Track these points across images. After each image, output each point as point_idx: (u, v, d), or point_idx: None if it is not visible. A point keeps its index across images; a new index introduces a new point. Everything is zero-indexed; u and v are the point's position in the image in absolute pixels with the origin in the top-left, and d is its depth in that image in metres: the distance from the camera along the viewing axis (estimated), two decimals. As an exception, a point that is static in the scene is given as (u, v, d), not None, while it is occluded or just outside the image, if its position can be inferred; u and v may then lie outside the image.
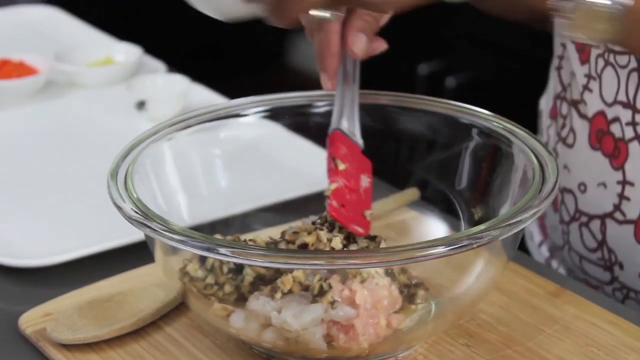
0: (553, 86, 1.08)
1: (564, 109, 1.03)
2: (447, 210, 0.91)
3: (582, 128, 1.00)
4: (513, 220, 0.75)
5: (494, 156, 0.88)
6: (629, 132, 0.95)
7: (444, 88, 2.22)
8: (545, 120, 1.11)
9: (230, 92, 1.28)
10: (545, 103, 1.13)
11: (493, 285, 0.84)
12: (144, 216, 0.77)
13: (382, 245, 0.84)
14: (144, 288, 0.89)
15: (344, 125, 0.86)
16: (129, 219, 0.77)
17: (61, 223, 1.04)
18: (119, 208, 0.79)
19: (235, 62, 3.02)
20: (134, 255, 0.94)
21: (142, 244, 0.85)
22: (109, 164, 0.83)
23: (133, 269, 0.93)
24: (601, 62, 0.96)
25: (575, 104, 1.01)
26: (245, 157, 0.97)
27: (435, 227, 0.93)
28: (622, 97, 0.95)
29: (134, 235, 0.95)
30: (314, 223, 0.86)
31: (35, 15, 1.60)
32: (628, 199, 0.97)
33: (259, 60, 3.14)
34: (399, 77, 2.40)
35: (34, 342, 0.85)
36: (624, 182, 0.97)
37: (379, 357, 0.81)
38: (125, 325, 0.85)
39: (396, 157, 0.95)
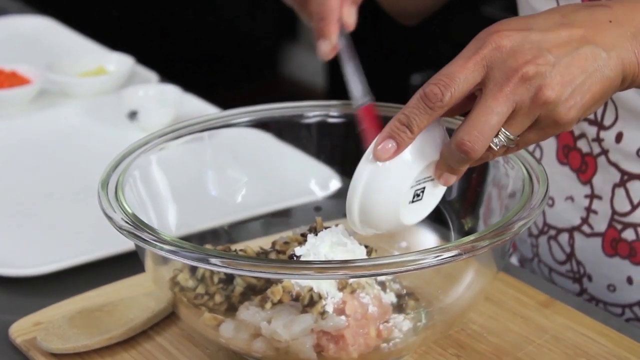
0: None
1: None
2: (438, 221, 0.91)
3: (549, 143, 1.01)
4: (503, 231, 0.75)
5: (484, 167, 0.88)
6: (596, 148, 0.96)
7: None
8: None
9: (223, 102, 1.28)
10: None
11: (483, 295, 0.84)
12: (135, 226, 0.77)
13: (373, 255, 0.84)
14: (134, 298, 0.89)
15: (367, 95, 0.85)
16: (120, 229, 0.77)
17: (52, 233, 1.04)
18: (110, 218, 0.79)
19: (228, 72, 3.02)
20: (125, 265, 0.95)
21: (133, 254, 0.85)
22: (99, 174, 0.83)
23: (123, 278, 0.93)
24: None
25: None
26: (236, 168, 0.97)
27: (425, 237, 0.93)
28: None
29: (125, 245, 0.95)
30: (303, 235, 0.86)
31: (28, 25, 1.60)
32: (595, 212, 0.97)
33: (252, 70, 3.15)
34: (392, 88, 2.40)
35: (24, 352, 0.85)
36: (591, 196, 0.97)
37: (369, 367, 0.81)
38: (116, 334, 0.85)
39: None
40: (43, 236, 1.03)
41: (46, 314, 0.89)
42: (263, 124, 0.94)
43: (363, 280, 0.81)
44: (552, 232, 1.03)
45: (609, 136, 0.95)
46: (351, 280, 0.80)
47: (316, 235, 0.84)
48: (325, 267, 0.74)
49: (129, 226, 0.77)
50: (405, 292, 0.84)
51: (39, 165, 1.19)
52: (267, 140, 0.93)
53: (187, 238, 0.85)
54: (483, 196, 0.89)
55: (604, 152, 0.96)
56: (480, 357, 0.84)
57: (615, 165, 0.95)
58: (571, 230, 1.00)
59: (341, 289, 0.80)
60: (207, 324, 0.81)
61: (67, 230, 1.04)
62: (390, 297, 0.82)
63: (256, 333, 0.79)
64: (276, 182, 0.99)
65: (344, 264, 0.75)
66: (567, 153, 0.98)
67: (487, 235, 0.75)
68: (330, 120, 0.94)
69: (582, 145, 0.97)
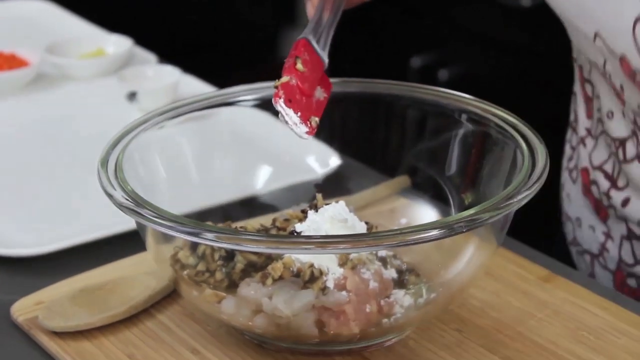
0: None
1: (574, 140, 1.05)
2: (438, 197, 0.91)
3: (577, 176, 1.03)
4: (503, 205, 0.75)
5: (484, 142, 0.88)
6: (605, 201, 0.97)
7: (436, 81, 2.22)
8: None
9: (222, 86, 1.28)
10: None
11: (483, 270, 0.85)
12: (135, 203, 0.77)
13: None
14: (135, 276, 0.89)
15: (312, 38, 0.85)
16: (120, 206, 0.78)
17: (53, 212, 1.04)
18: (110, 196, 0.79)
19: (228, 56, 3.02)
20: (126, 244, 0.95)
21: (134, 233, 0.85)
22: (99, 155, 0.83)
23: (124, 257, 0.93)
24: (600, 127, 0.97)
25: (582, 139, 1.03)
26: (236, 146, 0.97)
27: (425, 214, 0.93)
28: (608, 168, 0.97)
29: (126, 224, 0.95)
30: (303, 211, 0.86)
31: (26, 8, 1.59)
32: (607, 250, 0.99)
33: (252, 54, 3.14)
34: (391, 70, 2.40)
35: (26, 330, 0.86)
36: (607, 235, 0.99)
37: (371, 342, 0.82)
38: (117, 312, 0.85)
39: (386, 145, 0.95)
40: (44, 216, 1.04)
41: (48, 293, 0.89)
42: (262, 102, 0.94)
43: (364, 256, 0.81)
44: (580, 249, 1.04)
45: (617, 197, 0.96)
46: (352, 256, 0.80)
47: (317, 211, 0.84)
48: (326, 241, 0.74)
49: (130, 203, 0.77)
50: (406, 267, 0.84)
51: (39, 146, 1.19)
52: (266, 118, 0.93)
53: (187, 216, 0.85)
54: (483, 171, 0.89)
55: (613, 207, 0.97)
56: (482, 332, 0.84)
57: (624, 220, 0.96)
58: (592, 257, 1.02)
59: (342, 264, 0.80)
60: (208, 300, 0.81)
61: (68, 210, 1.04)
62: (391, 273, 0.82)
63: (257, 309, 0.79)
64: (276, 160, 0.99)
65: (345, 238, 0.75)
66: (586, 192, 0.99)
67: (487, 209, 0.75)
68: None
69: (595, 191, 0.98)
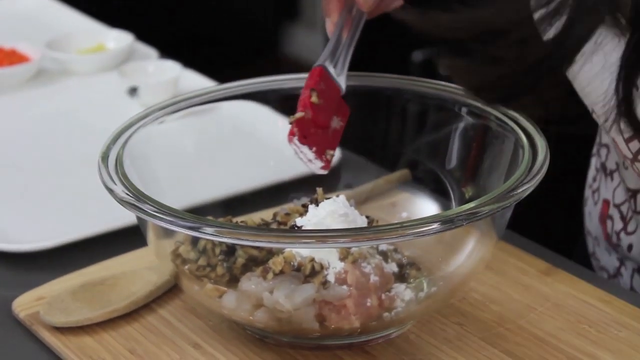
0: None
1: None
2: (438, 191, 0.91)
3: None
4: (503, 198, 0.75)
5: (484, 135, 0.88)
6: (614, 238, 0.98)
7: (438, 75, 2.22)
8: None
9: (223, 81, 1.28)
10: None
11: (484, 264, 0.85)
12: (136, 198, 0.77)
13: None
14: (136, 271, 0.89)
15: (329, 64, 0.85)
16: (121, 201, 0.78)
17: (54, 208, 1.04)
18: (110, 190, 0.79)
19: (229, 51, 3.02)
20: (126, 239, 0.95)
21: (134, 228, 0.85)
22: (100, 150, 0.83)
23: (125, 252, 0.93)
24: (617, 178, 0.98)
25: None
26: (236, 141, 0.97)
27: (426, 207, 0.93)
28: (624, 209, 0.97)
29: (126, 219, 0.95)
30: (304, 205, 0.86)
31: (27, 4, 1.59)
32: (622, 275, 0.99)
33: (253, 49, 3.14)
34: (393, 64, 2.39)
35: (27, 326, 0.86)
36: (621, 262, 0.99)
37: (371, 336, 0.82)
38: (118, 307, 0.86)
39: (386, 138, 0.95)
40: (45, 212, 1.04)
41: (49, 289, 0.89)
42: (262, 97, 0.93)
43: (364, 250, 0.81)
44: (598, 264, 1.04)
45: (625, 240, 0.97)
46: (352, 250, 0.80)
47: (317, 206, 0.84)
48: (326, 235, 0.74)
49: (130, 198, 0.77)
50: (406, 261, 0.84)
51: (40, 142, 1.19)
52: (266, 112, 0.93)
53: (187, 211, 0.85)
54: (483, 164, 0.89)
55: (621, 247, 0.98)
56: (483, 325, 0.84)
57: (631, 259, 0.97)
58: (609, 275, 1.02)
59: (343, 258, 0.80)
60: (210, 295, 0.81)
61: (69, 206, 1.04)
62: (391, 267, 0.82)
63: (258, 304, 0.79)
64: (276, 155, 0.99)
65: (345, 232, 0.75)
66: (602, 222, 1.00)
67: (487, 202, 0.75)
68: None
69: (609, 225, 0.99)
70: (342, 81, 0.85)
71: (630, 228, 0.96)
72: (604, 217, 0.99)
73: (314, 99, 0.82)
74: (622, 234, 0.97)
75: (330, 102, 0.83)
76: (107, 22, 1.49)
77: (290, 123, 0.81)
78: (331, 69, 0.85)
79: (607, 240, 0.99)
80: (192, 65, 1.34)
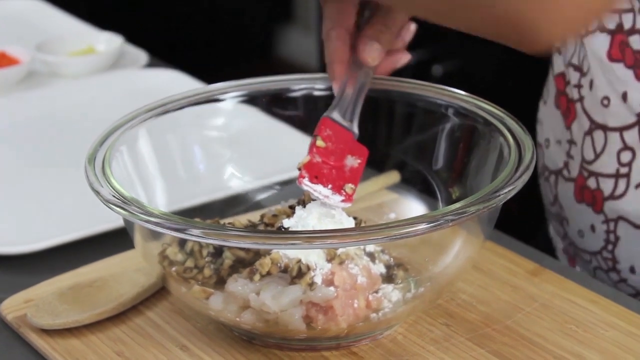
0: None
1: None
2: (425, 191, 0.91)
3: (551, 87, 1.05)
4: (489, 198, 0.76)
5: (471, 136, 0.88)
6: (576, 94, 0.98)
7: (430, 76, 2.22)
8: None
9: (214, 83, 1.28)
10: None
11: (471, 264, 0.85)
12: (122, 200, 0.77)
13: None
14: (124, 273, 0.89)
15: (337, 115, 0.87)
16: (107, 203, 0.78)
17: (42, 210, 1.04)
18: (97, 193, 0.79)
19: (222, 53, 3.02)
20: (114, 241, 0.95)
21: (122, 231, 0.85)
22: (87, 152, 0.83)
23: (113, 254, 0.93)
24: None
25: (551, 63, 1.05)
26: (223, 142, 0.97)
27: (414, 208, 0.93)
28: (574, 60, 0.99)
29: (114, 222, 0.95)
30: (291, 207, 0.86)
31: (16, 6, 1.60)
32: (572, 157, 1.00)
33: (246, 51, 3.14)
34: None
35: (15, 329, 0.86)
36: (570, 142, 1.00)
37: (359, 337, 0.82)
38: (106, 309, 0.85)
39: (374, 139, 0.95)
40: (33, 214, 1.04)
41: (36, 291, 0.89)
42: (250, 98, 0.94)
43: (352, 251, 0.81)
44: (546, 174, 1.06)
45: (586, 83, 0.97)
46: (339, 251, 0.80)
47: (304, 207, 0.84)
48: (313, 236, 0.74)
49: (116, 200, 0.77)
50: (394, 262, 0.84)
51: (29, 144, 1.19)
52: (254, 114, 0.93)
53: (175, 213, 0.85)
54: (470, 165, 0.89)
55: (581, 99, 0.98)
56: (470, 326, 0.84)
57: (586, 113, 0.98)
58: (557, 173, 1.04)
59: (330, 260, 0.80)
60: (197, 296, 0.81)
61: (57, 208, 1.04)
62: (379, 268, 0.82)
63: (245, 305, 0.79)
64: (264, 156, 0.99)
65: (332, 233, 0.75)
66: (558, 98, 1.01)
67: (474, 202, 0.75)
68: (317, 93, 0.94)
69: (569, 90, 0.99)
70: (354, 128, 0.87)
71: (585, 67, 0.98)
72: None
73: (319, 142, 0.84)
74: (582, 80, 0.98)
75: (341, 144, 0.85)
76: (97, 25, 1.49)
77: (299, 168, 0.83)
78: (339, 119, 0.87)
79: (563, 115, 1.01)
80: (183, 67, 1.34)
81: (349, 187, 0.84)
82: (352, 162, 0.86)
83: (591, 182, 0.98)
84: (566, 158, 1.01)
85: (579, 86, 0.98)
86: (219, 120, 0.95)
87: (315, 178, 0.83)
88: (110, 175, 0.80)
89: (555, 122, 1.03)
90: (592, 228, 0.99)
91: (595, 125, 0.97)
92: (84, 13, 1.57)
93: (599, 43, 0.95)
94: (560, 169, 1.03)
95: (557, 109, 1.03)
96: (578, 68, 0.98)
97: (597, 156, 0.97)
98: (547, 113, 1.06)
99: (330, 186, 0.83)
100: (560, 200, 1.04)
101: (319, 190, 0.82)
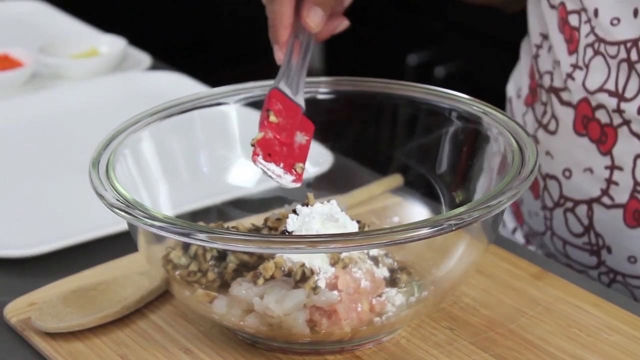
0: (526, 72, 1.09)
1: (543, 96, 1.04)
2: (429, 195, 0.91)
3: (565, 115, 1.01)
4: (492, 202, 0.76)
5: (474, 140, 0.88)
6: (617, 119, 0.96)
7: (433, 78, 2.23)
8: (519, 107, 1.11)
9: (217, 86, 1.28)
10: (513, 89, 1.14)
11: (474, 268, 0.85)
12: (126, 204, 0.77)
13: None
14: (127, 276, 0.89)
15: (284, 86, 0.86)
16: (111, 207, 0.78)
17: (46, 213, 1.04)
18: (101, 196, 0.79)
19: (225, 57, 3.02)
20: (118, 245, 0.95)
21: (126, 234, 0.85)
22: (91, 156, 0.83)
23: (117, 258, 0.94)
24: (590, 52, 0.97)
25: (556, 91, 1.01)
26: (227, 146, 0.97)
27: (417, 212, 0.93)
28: (610, 86, 0.96)
29: (118, 225, 0.95)
30: (295, 211, 0.86)
31: (19, 8, 1.60)
32: (616, 183, 0.97)
33: (247, 53, 3.14)
34: (388, 68, 2.40)
35: (19, 332, 0.86)
36: (612, 167, 0.97)
37: (362, 341, 0.82)
38: (110, 313, 0.86)
39: (377, 143, 0.95)
40: (37, 217, 1.04)
41: (40, 294, 0.89)
42: (253, 102, 0.94)
43: (355, 255, 0.81)
44: (569, 205, 1.03)
45: (630, 108, 0.95)
46: (343, 255, 0.80)
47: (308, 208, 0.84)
48: (317, 240, 0.74)
49: (120, 204, 0.77)
50: (397, 266, 0.84)
51: (32, 147, 1.19)
52: (257, 117, 0.93)
53: (179, 217, 0.85)
54: (473, 169, 0.89)
55: (626, 122, 0.95)
56: (473, 330, 0.84)
57: (637, 136, 0.95)
58: (590, 202, 1.00)
59: (333, 264, 0.80)
60: (200, 300, 0.81)
61: (61, 211, 1.04)
62: (382, 272, 0.82)
63: (249, 309, 0.79)
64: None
65: (335, 237, 0.76)
66: (587, 124, 0.98)
67: (477, 207, 0.75)
68: (320, 96, 0.94)
69: (600, 116, 0.97)
70: (300, 100, 0.86)
71: (629, 93, 0.96)
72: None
73: (271, 118, 0.83)
74: (623, 105, 0.96)
75: (291, 119, 0.84)
76: (100, 27, 1.49)
77: (252, 145, 0.82)
78: (287, 90, 0.86)
79: (596, 141, 0.99)
80: (185, 70, 1.34)
81: (299, 166, 0.83)
82: (301, 138, 0.85)
83: None
84: (605, 185, 0.98)
85: (619, 111, 0.96)
86: (223, 123, 0.95)
87: (269, 156, 0.82)
88: (114, 179, 0.80)
89: (579, 151, 1.00)
90: None
91: None
92: (87, 15, 1.57)
93: None
94: (597, 197, 0.99)
95: (580, 136, 0.99)
96: (615, 94, 0.95)
97: None
98: (560, 142, 1.02)
99: (282, 165, 0.82)
100: (599, 229, 1.00)
101: (272, 169, 0.82)
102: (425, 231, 0.73)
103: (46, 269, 0.94)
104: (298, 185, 0.82)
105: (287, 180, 0.82)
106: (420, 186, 0.93)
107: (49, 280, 0.91)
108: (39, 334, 0.85)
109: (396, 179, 0.99)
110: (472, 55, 2.25)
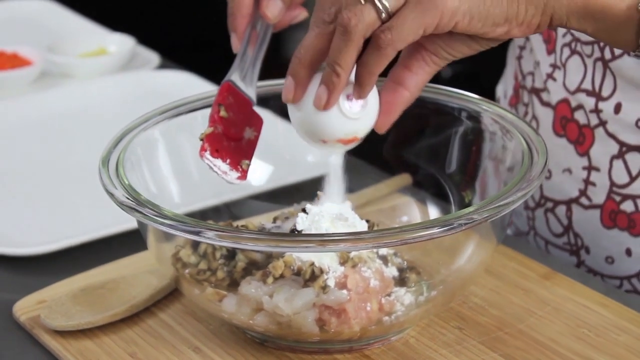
0: (512, 74, 1.09)
1: (525, 97, 1.04)
2: (438, 195, 0.91)
3: (545, 116, 1.01)
4: (502, 202, 0.75)
5: (483, 139, 0.88)
6: (594, 119, 0.96)
7: (440, 78, 2.22)
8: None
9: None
10: (502, 90, 1.14)
11: (483, 267, 0.85)
12: (136, 202, 0.77)
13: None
14: (137, 275, 0.89)
15: (237, 78, 0.85)
16: (121, 205, 0.78)
17: (55, 212, 1.04)
18: (111, 195, 0.79)
19: (233, 56, 3.02)
20: (127, 243, 0.95)
21: (135, 232, 0.85)
22: (100, 154, 0.83)
23: (126, 256, 0.94)
24: (567, 51, 0.97)
25: (537, 92, 1.02)
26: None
27: (426, 211, 0.93)
28: (587, 85, 0.96)
29: (127, 223, 0.95)
30: (304, 210, 0.86)
31: (29, 7, 1.60)
32: (594, 184, 0.98)
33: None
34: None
35: (28, 329, 0.86)
36: (589, 168, 0.97)
37: (371, 340, 0.82)
38: (119, 311, 0.86)
39: (387, 142, 0.95)
40: (46, 215, 1.04)
41: (49, 292, 0.89)
42: (262, 100, 0.93)
43: (364, 254, 0.81)
44: (550, 205, 1.03)
45: (607, 107, 0.95)
46: (352, 254, 0.80)
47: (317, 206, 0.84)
48: (326, 239, 0.74)
49: (130, 202, 0.77)
50: (406, 265, 0.84)
51: (41, 145, 1.19)
52: (266, 115, 0.93)
53: (188, 215, 0.85)
54: (482, 169, 0.89)
55: (602, 123, 0.96)
56: (482, 329, 0.84)
57: (613, 137, 0.95)
58: (569, 203, 1.00)
59: (342, 263, 0.80)
60: (210, 299, 0.81)
61: (70, 209, 1.05)
62: (392, 271, 0.82)
63: (258, 308, 0.79)
64: (277, 159, 1.00)
65: (345, 236, 0.76)
66: (565, 125, 0.99)
67: (487, 207, 0.75)
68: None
69: (579, 116, 0.97)
70: (252, 93, 0.86)
71: (605, 92, 0.96)
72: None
73: (222, 113, 0.82)
74: (601, 104, 0.96)
75: (241, 114, 0.84)
76: (108, 26, 1.49)
77: (201, 139, 0.81)
78: (239, 83, 0.85)
79: (574, 142, 1.00)
80: (194, 68, 1.34)
81: (245, 163, 0.82)
82: (250, 134, 0.84)
83: (627, 206, 0.96)
84: (583, 186, 0.98)
85: (597, 111, 0.96)
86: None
87: (216, 152, 0.81)
88: (124, 177, 0.81)
89: (559, 152, 1.00)
90: (628, 252, 0.98)
91: (627, 148, 0.95)
92: (95, 14, 1.57)
93: (628, 64, 0.92)
94: (576, 198, 0.99)
95: (559, 137, 1.00)
96: (592, 93, 0.96)
97: (634, 179, 0.96)
98: None
99: (228, 161, 0.82)
100: (577, 230, 1.01)
101: (218, 165, 0.81)
102: (435, 230, 0.73)
103: (56, 267, 0.94)
104: (242, 182, 0.82)
105: (232, 177, 0.81)
106: (429, 186, 0.93)
107: (59, 279, 0.91)
108: (48, 331, 0.85)
109: (405, 179, 0.99)
110: (480, 55, 2.24)
